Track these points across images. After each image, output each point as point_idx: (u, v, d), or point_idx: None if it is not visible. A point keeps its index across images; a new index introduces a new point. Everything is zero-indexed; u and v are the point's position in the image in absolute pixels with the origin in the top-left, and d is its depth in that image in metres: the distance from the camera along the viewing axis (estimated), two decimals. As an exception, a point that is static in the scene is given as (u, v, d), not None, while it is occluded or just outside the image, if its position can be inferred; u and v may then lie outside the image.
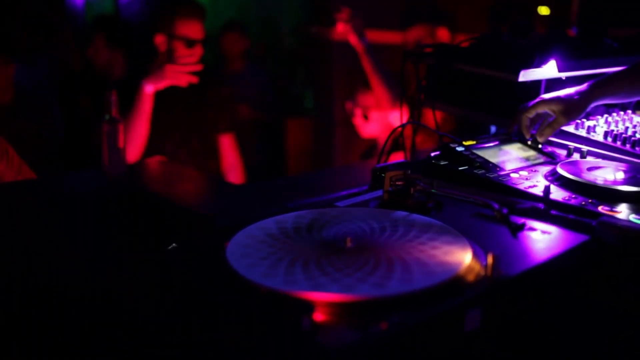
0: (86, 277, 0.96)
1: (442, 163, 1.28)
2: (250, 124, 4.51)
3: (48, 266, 1.02)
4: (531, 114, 1.37)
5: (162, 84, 2.52)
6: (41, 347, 0.77)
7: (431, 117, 1.67)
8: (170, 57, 2.79)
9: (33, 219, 1.32)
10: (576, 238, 1.00)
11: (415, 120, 1.70)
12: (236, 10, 6.88)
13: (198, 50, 2.79)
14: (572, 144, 1.42)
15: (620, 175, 1.23)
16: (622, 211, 1.07)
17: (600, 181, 1.18)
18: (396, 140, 2.55)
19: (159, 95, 2.83)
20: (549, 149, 1.42)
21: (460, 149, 1.31)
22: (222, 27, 4.61)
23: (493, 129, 1.71)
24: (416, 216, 1.03)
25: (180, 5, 2.83)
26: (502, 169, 1.26)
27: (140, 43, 3.17)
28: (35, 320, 0.83)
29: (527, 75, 1.41)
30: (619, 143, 1.40)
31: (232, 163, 3.13)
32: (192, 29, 2.78)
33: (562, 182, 1.20)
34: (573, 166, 1.26)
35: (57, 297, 0.89)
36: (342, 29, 2.71)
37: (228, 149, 3.09)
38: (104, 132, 1.76)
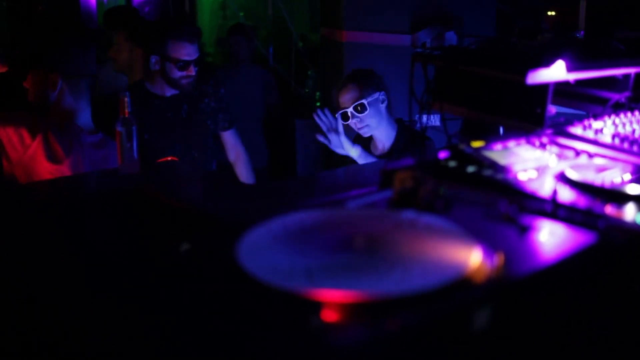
0: (95, 276, 0.97)
1: (451, 164, 1.29)
2: (256, 124, 4.52)
3: (58, 264, 1.03)
4: None
5: None
6: (48, 344, 0.78)
7: None
8: (164, 76, 2.85)
9: (46, 218, 1.33)
10: (583, 239, 1.00)
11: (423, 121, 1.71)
12: (246, 13, 6.89)
13: (191, 71, 2.81)
14: (579, 146, 1.43)
15: (628, 177, 1.24)
16: (629, 212, 1.08)
17: (607, 183, 1.19)
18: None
19: (158, 112, 2.87)
20: (556, 150, 1.42)
21: (468, 150, 1.32)
22: (229, 29, 4.64)
23: (502, 130, 1.72)
24: (425, 216, 1.05)
25: (172, 27, 2.85)
26: (510, 171, 1.27)
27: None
28: (42, 317, 0.84)
29: (535, 76, 1.42)
30: (626, 145, 1.40)
31: (237, 156, 3.22)
32: (184, 51, 2.80)
33: (570, 183, 1.20)
34: (581, 168, 1.27)
35: (63, 296, 0.90)
36: None
37: (231, 143, 3.17)
38: (118, 132, 1.79)
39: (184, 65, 2.78)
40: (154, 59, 2.82)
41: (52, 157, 2.11)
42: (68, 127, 2.18)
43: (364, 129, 2.80)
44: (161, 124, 2.89)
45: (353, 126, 2.82)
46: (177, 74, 2.80)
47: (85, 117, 2.25)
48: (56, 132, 2.14)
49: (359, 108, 2.75)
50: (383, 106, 2.81)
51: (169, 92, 2.89)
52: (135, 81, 3.05)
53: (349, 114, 2.77)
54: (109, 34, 3.37)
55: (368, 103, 2.75)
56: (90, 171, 2.19)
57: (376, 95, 2.78)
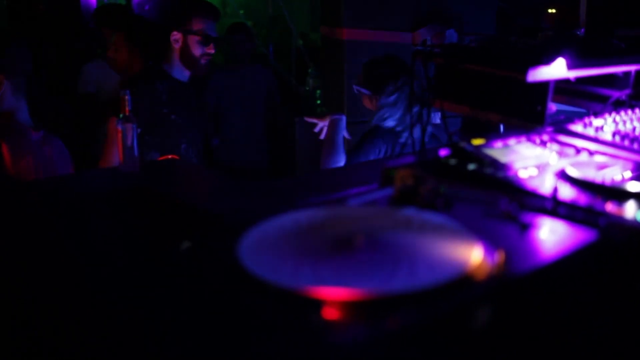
0: (95, 275, 0.97)
1: (451, 162, 1.29)
2: (257, 124, 4.53)
3: (58, 264, 1.03)
4: None
5: None
6: (48, 344, 0.78)
7: None
8: (184, 54, 2.85)
9: (46, 217, 1.34)
10: (584, 237, 1.01)
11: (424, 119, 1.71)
12: (246, 12, 6.89)
13: (211, 48, 2.85)
14: (580, 143, 1.43)
15: (628, 174, 1.24)
16: (630, 210, 1.08)
17: (607, 180, 1.19)
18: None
19: (178, 94, 2.88)
20: (558, 147, 1.43)
21: (469, 148, 1.33)
22: (229, 28, 4.64)
23: (502, 128, 1.72)
24: (426, 214, 1.05)
25: (198, 3, 2.90)
26: (511, 168, 1.27)
27: (153, 41, 3.20)
28: (42, 317, 0.85)
29: (536, 74, 1.42)
30: (626, 142, 1.40)
31: None
32: (208, 27, 2.83)
33: (571, 181, 1.21)
34: (581, 165, 1.27)
35: (63, 296, 0.90)
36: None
37: None
38: (119, 131, 1.79)
39: (207, 40, 2.80)
40: (175, 35, 2.82)
41: (2, 159, 2.13)
42: (14, 127, 2.21)
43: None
44: (179, 106, 2.89)
45: None
46: (199, 50, 2.80)
47: (24, 114, 2.28)
48: (2, 133, 2.17)
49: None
50: (371, 102, 2.91)
51: (181, 77, 2.89)
52: (150, 64, 3.03)
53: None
54: (101, 32, 3.37)
55: (356, 90, 2.91)
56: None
57: (365, 91, 2.90)
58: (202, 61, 2.83)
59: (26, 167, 2.19)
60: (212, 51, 2.83)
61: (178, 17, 2.82)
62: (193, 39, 2.79)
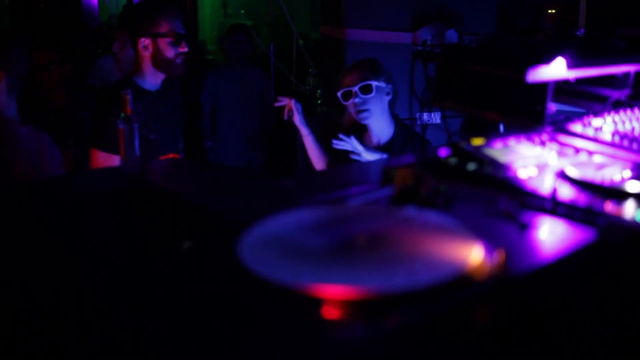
0: (96, 275, 0.97)
1: (452, 162, 1.30)
2: (251, 123, 4.54)
3: (57, 264, 1.03)
4: None
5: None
6: (48, 344, 0.79)
7: None
8: (157, 59, 2.71)
9: (46, 217, 1.34)
10: (583, 236, 1.01)
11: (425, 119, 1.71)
12: (247, 12, 6.88)
13: (184, 47, 2.71)
14: (579, 143, 1.44)
15: (627, 174, 1.24)
16: (629, 210, 1.08)
17: (607, 180, 1.19)
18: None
19: (151, 107, 2.79)
20: (557, 147, 1.43)
21: (469, 148, 1.33)
22: (231, 27, 4.65)
23: (502, 128, 1.72)
24: (426, 213, 1.05)
25: (159, 3, 2.74)
26: (510, 168, 1.28)
27: None
28: (42, 317, 0.85)
29: (535, 74, 1.42)
30: (626, 142, 1.41)
31: None
32: (176, 26, 2.71)
33: (570, 181, 1.21)
34: (580, 165, 1.27)
35: (63, 296, 0.90)
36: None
37: None
38: (120, 130, 1.79)
39: (178, 40, 2.68)
40: (144, 42, 2.68)
41: None
42: (1, 123, 2.24)
43: (364, 114, 2.76)
44: (157, 123, 2.78)
45: (352, 108, 2.79)
46: (172, 52, 2.69)
47: (12, 111, 2.32)
48: None
49: (365, 88, 2.72)
50: (387, 99, 2.79)
51: (155, 86, 2.77)
52: (123, 77, 2.88)
53: (353, 92, 2.74)
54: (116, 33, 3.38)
55: (375, 87, 2.72)
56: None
57: (384, 84, 2.77)
58: (178, 61, 2.71)
59: (16, 162, 2.21)
60: (186, 49, 2.71)
61: (144, 24, 2.69)
62: (164, 42, 2.67)
